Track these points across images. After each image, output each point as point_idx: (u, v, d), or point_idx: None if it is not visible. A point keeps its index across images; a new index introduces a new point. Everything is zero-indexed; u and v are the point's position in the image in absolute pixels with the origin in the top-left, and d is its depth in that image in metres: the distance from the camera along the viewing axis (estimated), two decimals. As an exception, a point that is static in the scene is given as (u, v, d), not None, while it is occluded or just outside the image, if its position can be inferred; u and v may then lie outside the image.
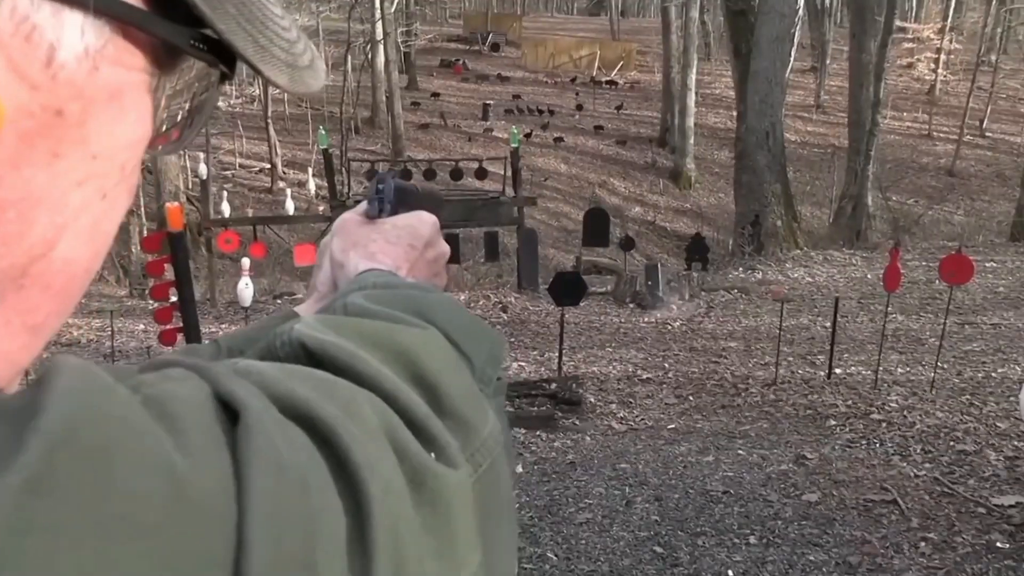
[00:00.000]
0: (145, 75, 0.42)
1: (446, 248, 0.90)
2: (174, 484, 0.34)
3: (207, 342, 0.82)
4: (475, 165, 13.04)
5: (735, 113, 18.22)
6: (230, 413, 0.39)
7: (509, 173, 12.31)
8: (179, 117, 0.46)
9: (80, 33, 0.37)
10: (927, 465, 5.30)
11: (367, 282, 0.72)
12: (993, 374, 7.35)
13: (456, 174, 13.18)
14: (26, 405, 0.33)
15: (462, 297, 11.19)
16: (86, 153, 0.39)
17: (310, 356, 0.52)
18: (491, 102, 31.43)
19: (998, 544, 4.20)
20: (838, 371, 7.53)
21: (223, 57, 0.44)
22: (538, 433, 6.03)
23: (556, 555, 4.23)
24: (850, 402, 6.68)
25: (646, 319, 10.11)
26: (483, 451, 0.54)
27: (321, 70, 0.49)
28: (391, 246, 0.84)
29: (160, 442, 0.35)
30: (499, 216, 11.72)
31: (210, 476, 0.36)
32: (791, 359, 8.06)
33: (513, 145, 12.21)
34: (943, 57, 34.70)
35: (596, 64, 39.00)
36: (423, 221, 0.87)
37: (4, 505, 0.30)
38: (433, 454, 0.48)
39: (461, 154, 23.06)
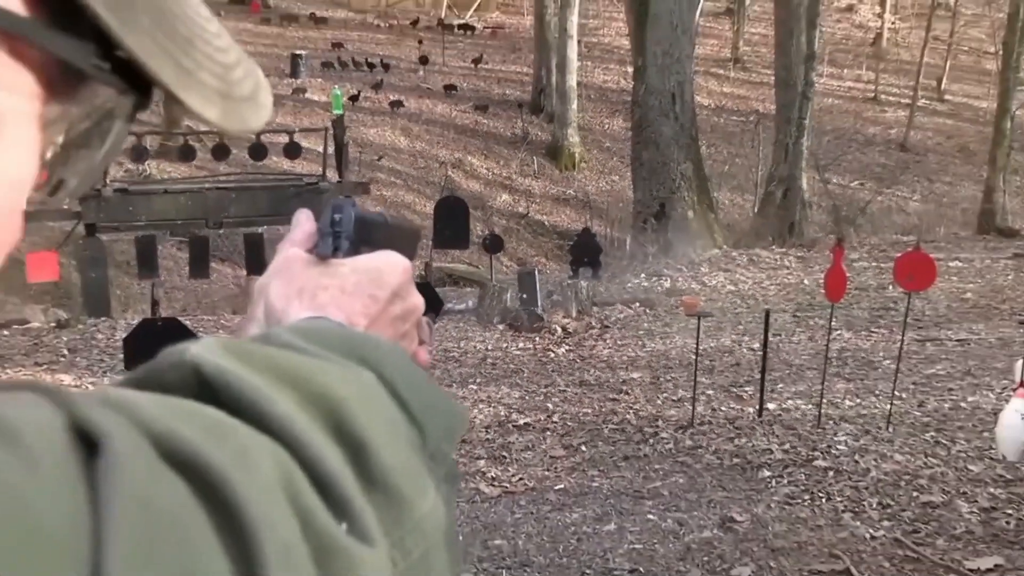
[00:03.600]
0: (35, 102, 0.44)
1: (418, 301, 0.92)
2: (17, 507, 0.37)
3: None
4: (284, 139, 12.94)
5: (631, 69, 18.72)
6: (89, 446, 0.42)
7: (331, 150, 12.28)
8: (71, 157, 0.48)
9: None
10: (885, 523, 5.60)
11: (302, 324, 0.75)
12: (962, 404, 7.82)
13: (257, 151, 13.07)
14: None
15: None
16: None
17: (204, 386, 0.54)
18: (302, 52, 31.18)
19: (974, 619, 4.49)
20: (771, 406, 7.84)
21: (135, 82, 0.46)
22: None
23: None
24: (788, 446, 6.97)
25: (521, 344, 10.25)
26: (416, 535, 0.56)
27: (265, 104, 0.52)
28: (347, 296, 0.85)
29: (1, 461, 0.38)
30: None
31: (61, 504, 0.39)
32: (711, 392, 8.34)
33: (335, 112, 12.21)
34: (890, -2, 36.65)
35: (445, 2, 39.30)
36: (391, 265, 0.89)
37: None
38: (344, 524, 0.50)
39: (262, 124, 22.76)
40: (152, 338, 6.39)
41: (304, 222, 0.93)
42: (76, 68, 0.43)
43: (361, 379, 0.63)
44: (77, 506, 0.39)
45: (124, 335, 6.75)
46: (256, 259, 11.34)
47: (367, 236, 0.92)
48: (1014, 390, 5.72)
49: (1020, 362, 5.77)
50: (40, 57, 0.42)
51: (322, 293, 0.84)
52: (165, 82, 0.45)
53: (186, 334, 6.46)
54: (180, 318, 7.87)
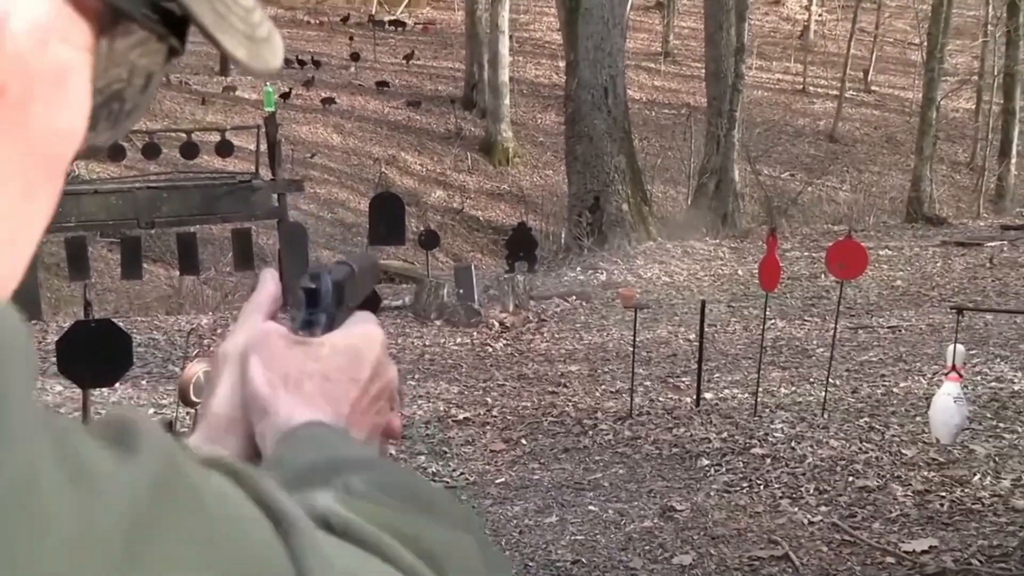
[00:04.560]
0: (89, 55, 0.45)
1: (393, 374, 0.90)
2: (254, 547, 0.46)
3: None
4: (216, 137, 12.80)
5: (562, 64, 18.79)
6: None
7: (263, 148, 12.17)
8: (115, 105, 0.50)
9: (35, 0, 0.41)
10: (823, 508, 5.70)
11: (332, 454, 0.75)
12: (895, 389, 7.97)
13: (188, 150, 12.92)
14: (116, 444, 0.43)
15: (203, 321, 10.98)
16: (22, 143, 0.42)
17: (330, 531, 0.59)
18: (232, 50, 30.84)
19: (911, 600, 4.58)
20: (708, 396, 7.93)
21: (174, 28, 0.48)
22: (322, 501, 6.01)
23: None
24: (725, 434, 7.06)
25: (459, 339, 10.26)
26: None
27: (279, 45, 0.54)
28: (331, 384, 0.83)
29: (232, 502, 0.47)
30: (252, 207, 11.57)
31: (277, 549, 0.48)
32: (649, 383, 8.42)
33: (267, 110, 12.09)
34: (817, -10, 37.12)
35: (375, -2, 39.15)
36: (369, 341, 0.87)
37: (138, 498, 0.41)
38: None
39: (194, 122, 22.55)
40: (86, 340, 6.30)
41: (269, 282, 0.90)
42: (128, 16, 0.46)
43: (459, 538, 0.68)
44: (284, 556, 0.48)
45: (56, 338, 6.65)
46: (189, 259, 11.20)
47: (340, 298, 0.89)
48: (946, 374, 5.83)
49: (951, 347, 5.88)
50: (96, 10, 0.44)
51: (307, 381, 0.82)
52: (206, 25, 0.47)
53: (120, 336, 6.38)
54: (113, 319, 7.77)
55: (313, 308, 0.86)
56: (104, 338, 6.33)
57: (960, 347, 5.95)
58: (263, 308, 0.88)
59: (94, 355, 6.20)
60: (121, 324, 6.98)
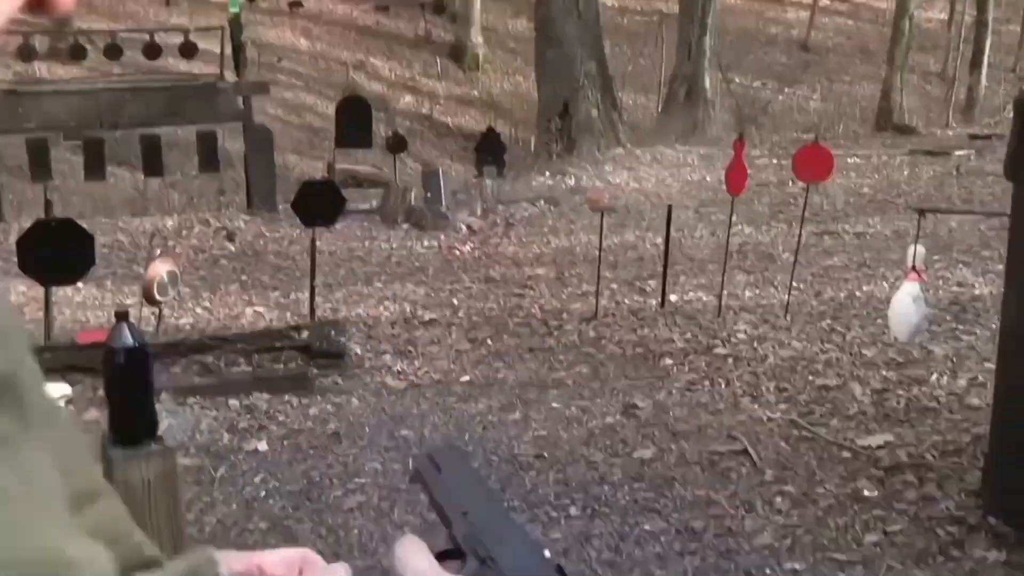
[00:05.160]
0: None
1: None
2: None
3: None
4: (179, 39, 12.64)
5: (534, -33, 18.51)
6: None
7: (228, 50, 12.03)
8: None
9: None
10: (782, 406, 5.79)
11: None
12: (857, 293, 8.06)
13: (151, 51, 12.80)
14: None
15: (169, 223, 10.93)
16: None
17: None
18: (197, -49, 30.31)
19: (865, 492, 4.68)
20: (673, 298, 8.00)
21: None
22: (287, 398, 6.06)
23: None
24: (689, 335, 7.14)
25: (426, 243, 10.27)
26: None
27: None
28: None
29: None
30: (216, 110, 11.48)
31: None
32: (615, 286, 8.47)
33: (232, 11, 11.93)
34: None
35: (344, -101, 38.39)
36: None
37: None
38: None
39: (156, 23, 22.18)
40: (46, 239, 6.27)
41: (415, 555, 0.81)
42: None
43: None
44: None
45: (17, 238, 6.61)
46: (153, 161, 11.12)
47: None
48: (906, 274, 5.89)
49: (911, 248, 5.94)
50: None
51: None
52: None
53: (81, 235, 6.35)
54: (76, 220, 7.70)
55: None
56: (65, 237, 6.30)
57: (920, 248, 6.02)
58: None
59: (55, 254, 6.19)
60: (85, 225, 6.94)
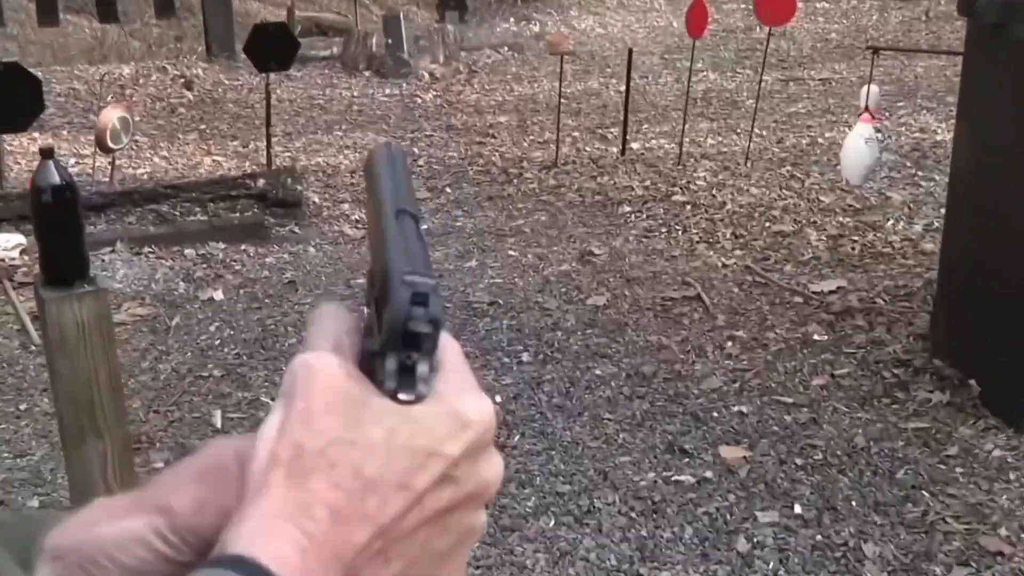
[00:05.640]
0: None
1: (490, 477, 0.55)
2: None
3: None
4: None
5: None
6: None
7: None
8: None
9: None
10: (737, 252, 5.82)
11: None
12: (819, 140, 8.03)
13: None
14: None
15: (126, 71, 10.71)
16: None
17: None
18: None
19: (815, 336, 4.74)
20: (635, 146, 7.96)
21: None
22: (243, 247, 6.04)
23: (272, 398, 4.35)
24: (648, 183, 7.12)
25: (388, 91, 10.13)
26: None
27: None
28: (358, 488, 0.50)
29: None
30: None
31: None
32: (577, 134, 8.42)
33: None
34: None
35: None
36: (459, 423, 0.53)
37: None
38: None
39: None
40: None
41: (332, 321, 0.57)
42: None
43: None
44: None
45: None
46: (107, 5, 10.81)
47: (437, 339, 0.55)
48: (859, 115, 5.84)
49: (865, 88, 5.88)
50: None
51: (324, 472, 0.50)
52: None
53: (29, 79, 6.19)
54: (32, 70, 7.51)
55: (413, 351, 0.52)
56: (12, 83, 6.14)
57: (874, 88, 5.94)
58: (346, 323, 0.57)
59: (3, 100, 6.04)
60: (40, 73, 6.78)
